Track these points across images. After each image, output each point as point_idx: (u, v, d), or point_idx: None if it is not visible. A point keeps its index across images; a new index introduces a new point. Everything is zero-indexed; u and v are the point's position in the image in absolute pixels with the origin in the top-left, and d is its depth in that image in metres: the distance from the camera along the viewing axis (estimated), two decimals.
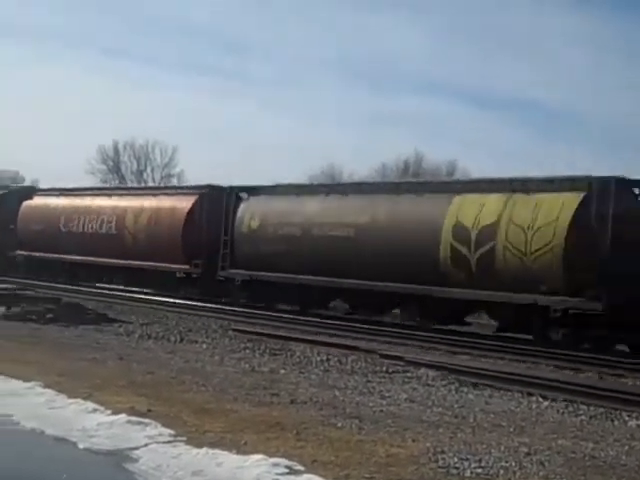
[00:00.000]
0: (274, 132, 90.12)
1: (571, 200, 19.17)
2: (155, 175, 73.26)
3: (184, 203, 28.80)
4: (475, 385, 13.21)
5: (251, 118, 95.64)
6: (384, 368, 14.72)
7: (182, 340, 17.52)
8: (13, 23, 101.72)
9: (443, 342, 19.14)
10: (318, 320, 22.71)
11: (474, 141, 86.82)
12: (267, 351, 16.26)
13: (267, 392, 11.37)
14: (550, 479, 7.58)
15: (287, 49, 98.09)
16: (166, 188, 32.52)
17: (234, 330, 19.77)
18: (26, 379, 11.00)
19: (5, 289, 24.82)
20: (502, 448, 8.63)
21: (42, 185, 50.16)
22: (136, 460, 7.62)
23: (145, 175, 73.50)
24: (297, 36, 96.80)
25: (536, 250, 19.22)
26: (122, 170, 74.17)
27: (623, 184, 19.17)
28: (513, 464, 7.95)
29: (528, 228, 19.48)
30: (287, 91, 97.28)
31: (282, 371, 13.77)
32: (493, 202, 20.48)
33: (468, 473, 7.58)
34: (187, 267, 28.16)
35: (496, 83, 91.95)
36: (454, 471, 7.63)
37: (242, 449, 7.92)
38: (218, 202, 27.33)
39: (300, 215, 24.68)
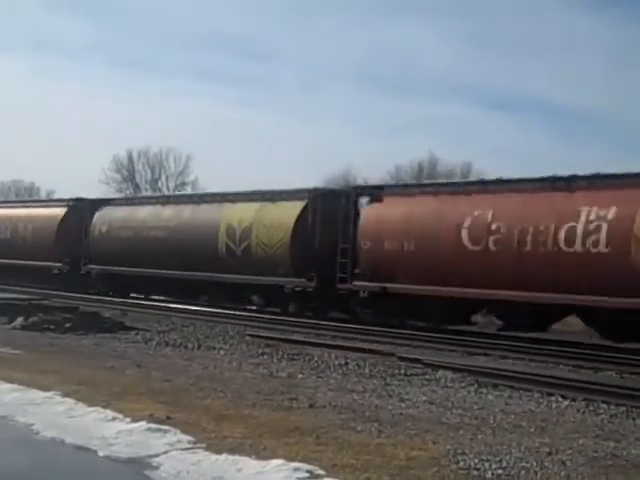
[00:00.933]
0: (289, 137, 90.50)
1: (296, 207, 25.92)
2: (170, 183, 73.47)
3: (58, 212, 35.28)
4: (494, 386, 13.17)
5: (269, 125, 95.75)
6: (402, 371, 14.69)
7: (200, 347, 17.53)
8: (26, 35, 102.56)
9: (461, 344, 19.10)
10: (335, 324, 22.77)
11: (490, 144, 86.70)
12: (285, 356, 16.25)
13: (285, 397, 11.35)
14: (572, 479, 7.54)
15: (303, 55, 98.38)
16: (46, 201, 39.81)
17: (251, 336, 19.77)
18: (45, 388, 11.02)
19: (21, 299, 24.92)
20: (523, 448, 8.59)
21: (57, 195, 50.72)
22: (156, 467, 7.61)
23: (160, 183, 73.70)
24: (313, 42, 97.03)
25: (275, 244, 26.03)
26: (137, 179, 74.43)
27: (329, 194, 26.72)
28: (534, 464, 7.91)
29: (270, 227, 26.25)
30: (303, 96, 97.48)
31: (300, 376, 13.75)
32: (251, 209, 27.37)
33: (489, 474, 7.55)
34: (60, 265, 34.22)
35: (513, 86, 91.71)
36: (475, 472, 7.59)
37: (262, 454, 7.90)
38: (82, 211, 34.30)
39: (134, 221, 31.81)
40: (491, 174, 48.59)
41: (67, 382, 11.71)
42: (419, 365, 15.30)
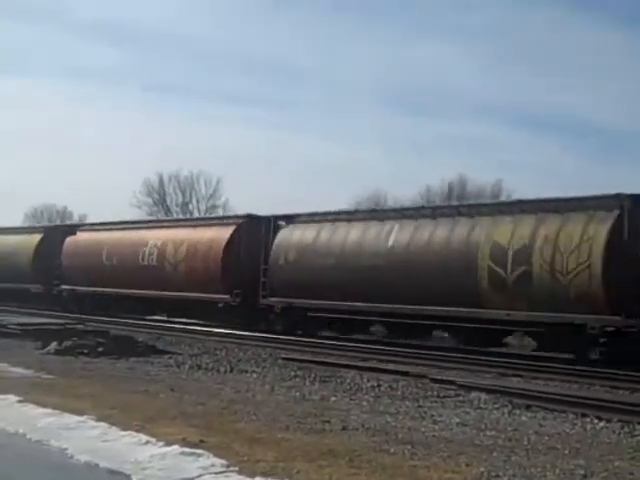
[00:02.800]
0: (319, 159, 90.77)
1: (35, 238, 40.17)
2: (201, 206, 73.79)
3: None
4: (528, 407, 13.08)
5: (297, 146, 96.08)
6: (435, 392, 14.64)
7: (232, 370, 17.56)
8: (62, 63, 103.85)
9: (494, 365, 19.01)
10: (367, 346, 22.77)
11: (520, 162, 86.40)
12: (317, 378, 16.23)
13: (318, 420, 11.34)
14: None
15: (331, 76, 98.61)
16: None
17: (283, 359, 19.77)
18: (79, 413, 11.06)
19: (56, 324, 25.10)
20: (557, 471, 8.51)
21: (89, 219, 51.43)
22: None
23: (191, 207, 74.04)
24: (341, 64, 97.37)
25: (25, 262, 39.48)
26: (168, 202, 74.81)
27: (54, 229, 41.60)
28: None
29: (22, 252, 39.81)
30: (332, 118, 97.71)
31: (333, 398, 13.73)
32: (16, 238, 41.41)
33: None
34: None
35: (542, 104, 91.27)
36: None
37: (295, 478, 7.88)
38: None
39: None
40: (520, 193, 48.50)
41: (101, 406, 11.75)
42: (452, 387, 15.24)
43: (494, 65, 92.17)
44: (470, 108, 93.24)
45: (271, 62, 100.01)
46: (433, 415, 12.15)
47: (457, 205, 23.78)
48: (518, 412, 12.72)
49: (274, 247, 27.17)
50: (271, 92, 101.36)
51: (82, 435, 9.83)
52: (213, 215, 36.76)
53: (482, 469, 8.45)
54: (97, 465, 8.51)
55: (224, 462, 8.44)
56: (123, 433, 9.85)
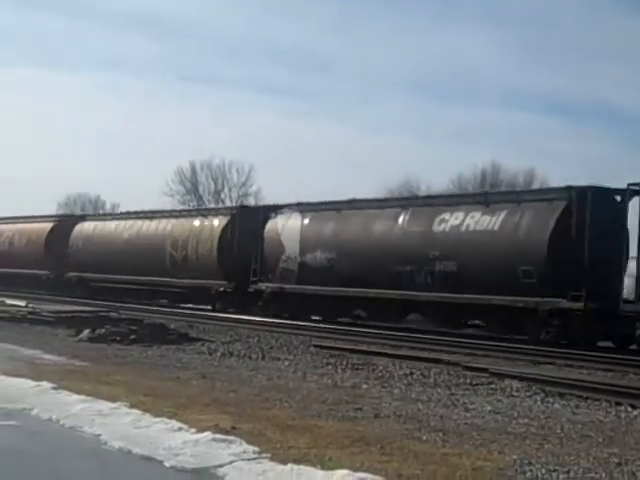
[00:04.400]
0: (352, 148, 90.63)
1: None
2: (232, 194, 73.94)
3: None
4: (561, 395, 13.01)
5: (328, 135, 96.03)
6: (468, 380, 14.59)
7: (264, 357, 17.60)
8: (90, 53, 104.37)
9: (527, 353, 18.92)
10: (400, 334, 22.73)
11: (552, 149, 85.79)
12: (349, 366, 16.24)
13: (350, 407, 11.33)
14: None
15: (361, 65, 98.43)
16: None
17: (315, 346, 19.79)
18: (112, 399, 11.12)
19: (88, 312, 25.28)
20: (591, 459, 8.45)
21: (122, 208, 51.95)
22: (222, 477, 7.62)
23: (223, 195, 74.20)
24: (373, 52, 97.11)
25: None
26: (200, 191, 75.03)
27: None
28: (603, 475, 7.78)
29: None
30: (361, 106, 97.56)
31: (365, 386, 13.73)
32: None
33: None
34: None
35: (574, 92, 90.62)
36: None
37: (327, 464, 7.87)
38: None
39: None
40: (553, 181, 48.25)
41: (134, 393, 11.81)
42: (485, 374, 15.18)
43: (523, 52, 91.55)
44: (500, 95, 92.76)
45: (301, 52, 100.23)
46: (465, 403, 12.12)
47: (161, 210, 40.00)
48: (551, 400, 12.66)
49: (72, 237, 41.30)
50: (302, 81, 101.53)
51: (115, 421, 9.87)
52: (45, 214, 48.30)
53: (514, 456, 8.41)
54: (130, 451, 8.54)
55: (256, 449, 8.45)
56: (156, 420, 9.88)
